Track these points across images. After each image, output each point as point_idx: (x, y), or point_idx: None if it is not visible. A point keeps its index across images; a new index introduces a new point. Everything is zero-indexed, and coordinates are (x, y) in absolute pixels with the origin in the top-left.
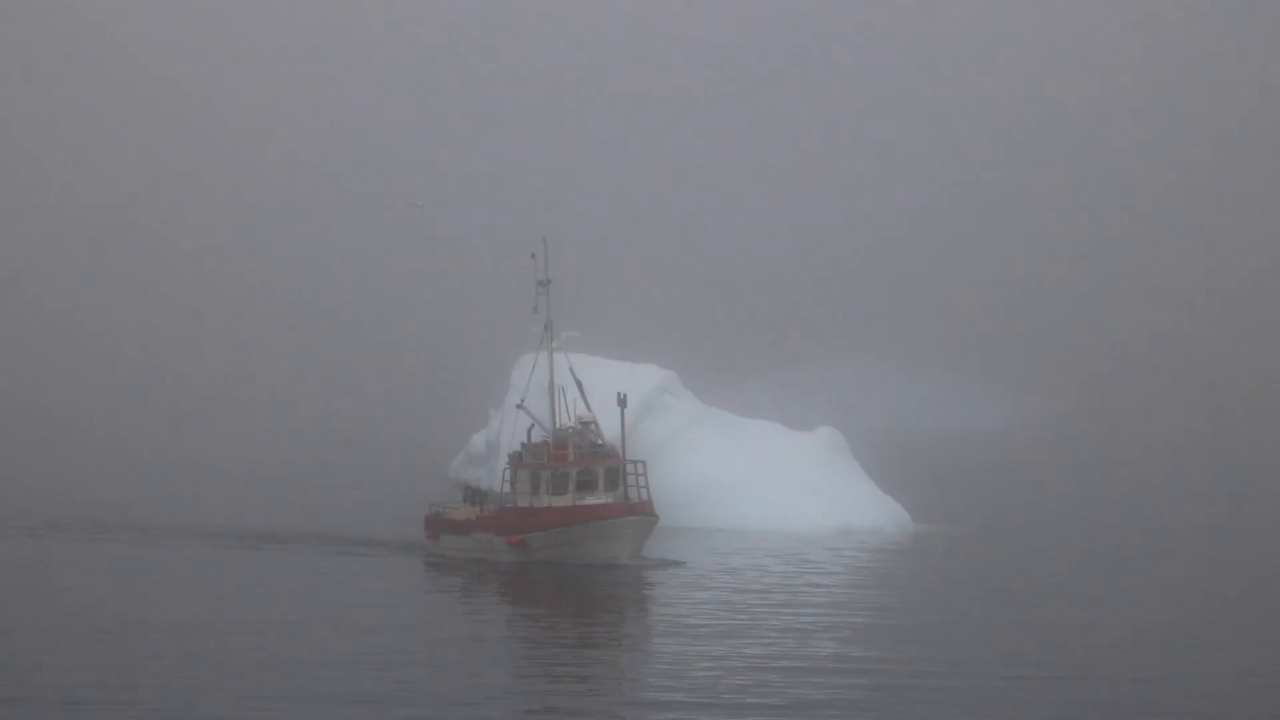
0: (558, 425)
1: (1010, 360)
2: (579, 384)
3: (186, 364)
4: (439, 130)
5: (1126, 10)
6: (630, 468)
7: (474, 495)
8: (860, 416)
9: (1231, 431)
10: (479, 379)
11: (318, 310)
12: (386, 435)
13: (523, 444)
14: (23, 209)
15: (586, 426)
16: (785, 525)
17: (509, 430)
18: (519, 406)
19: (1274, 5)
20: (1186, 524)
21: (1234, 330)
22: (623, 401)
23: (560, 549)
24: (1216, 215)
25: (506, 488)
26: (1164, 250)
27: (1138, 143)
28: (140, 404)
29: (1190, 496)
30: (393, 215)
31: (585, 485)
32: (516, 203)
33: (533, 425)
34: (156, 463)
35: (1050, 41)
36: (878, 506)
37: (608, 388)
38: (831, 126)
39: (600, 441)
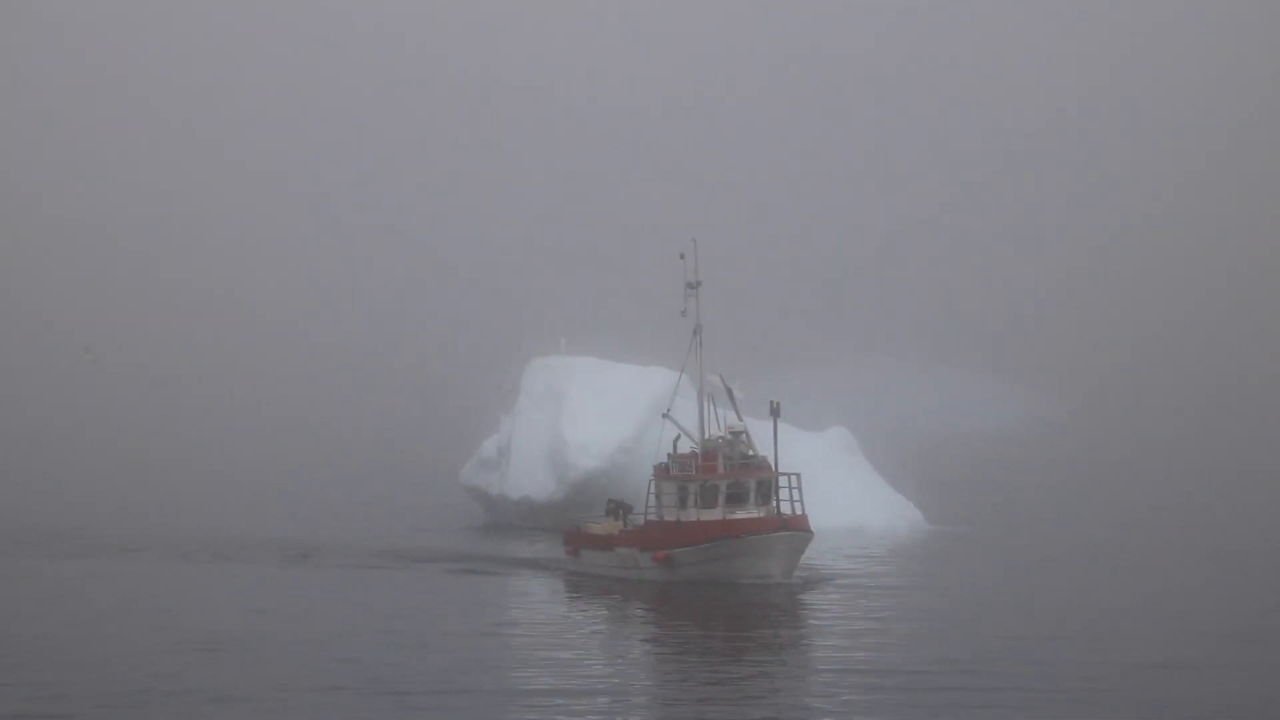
0: (706, 435)
1: (1021, 359)
2: (729, 391)
3: (191, 373)
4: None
5: (1131, 13)
6: (783, 480)
7: (616, 509)
8: (871, 415)
9: (1237, 428)
10: (490, 384)
11: (324, 318)
12: (396, 440)
13: (669, 455)
14: (20, 217)
15: (737, 436)
16: None
17: (516, 434)
18: (665, 415)
19: (1273, 6)
20: (1194, 520)
21: (1240, 330)
22: (776, 410)
23: (709, 566)
24: (1223, 217)
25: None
26: (1170, 252)
27: (1145, 146)
28: (136, 415)
29: (1197, 492)
30: (403, 222)
31: (735, 499)
32: (508, 204)
33: (679, 435)
34: (170, 476)
35: (1062, 44)
36: (891, 506)
37: (617, 391)
38: (842, 127)
39: (751, 452)
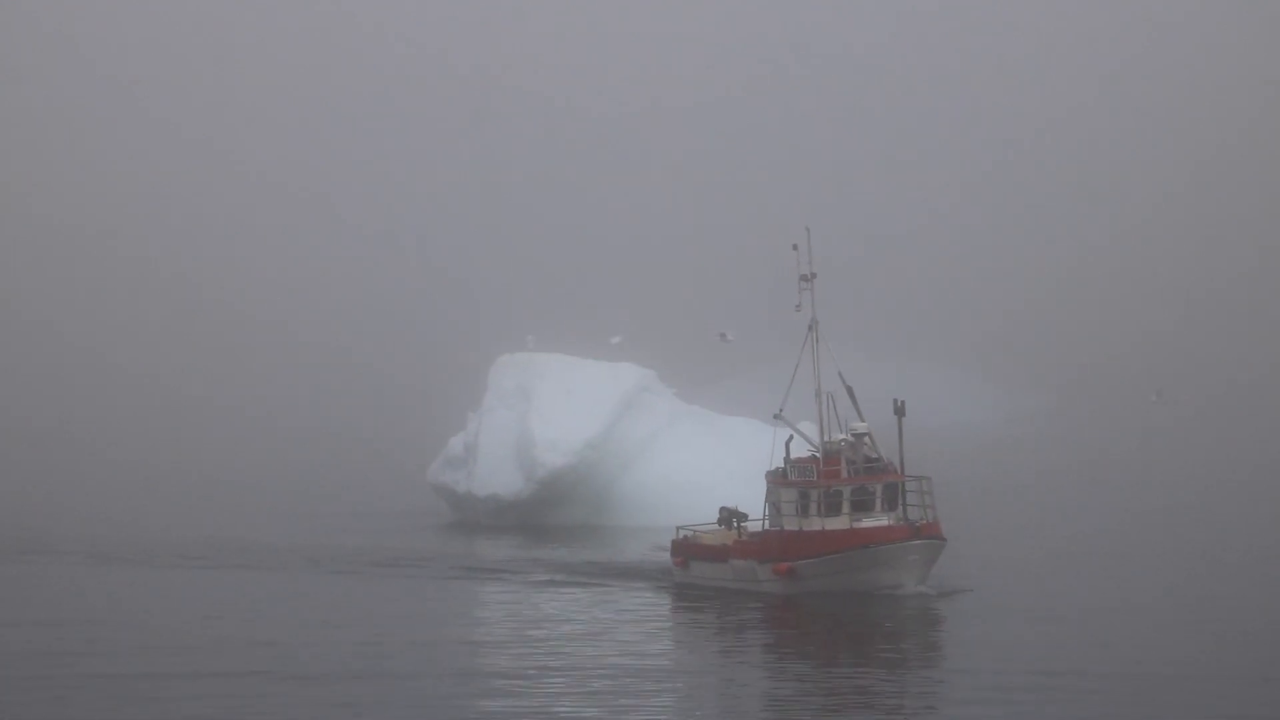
0: (826, 437)
1: (997, 355)
2: (849, 390)
3: (153, 370)
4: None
5: (1125, 17)
6: (912, 484)
7: (730, 517)
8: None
9: (1216, 425)
10: (456, 381)
11: (290, 316)
12: (362, 439)
13: (785, 459)
14: (19, 217)
15: (860, 439)
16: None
17: (484, 431)
18: (777, 416)
19: (1261, 10)
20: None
21: (1221, 329)
22: (900, 409)
23: (835, 577)
24: (1205, 219)
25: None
26: (1151, 252)
27: (1131, 149)
28: (100, 411)
29: (1169, 488)
30: (371, 221)
31: (861, 505)
32: (503, 202)
33: (792, 437)
34: (142, 475)
35: (1049, 49)
36: None
37: (586, 388)
38: (828, 123)
39: (876, 455)
